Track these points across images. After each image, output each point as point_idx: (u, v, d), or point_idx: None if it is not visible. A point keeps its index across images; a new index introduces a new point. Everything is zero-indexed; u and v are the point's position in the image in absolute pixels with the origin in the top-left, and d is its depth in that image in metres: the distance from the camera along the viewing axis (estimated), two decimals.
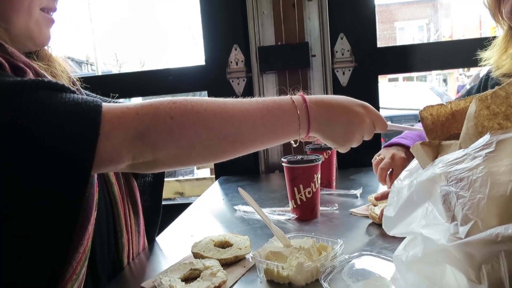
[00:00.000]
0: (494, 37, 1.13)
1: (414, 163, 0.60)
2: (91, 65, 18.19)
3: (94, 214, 0.67)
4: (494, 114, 0.48)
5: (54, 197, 0.54)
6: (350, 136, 0.76)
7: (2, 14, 0.69)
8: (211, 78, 1.70)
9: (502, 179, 0.39)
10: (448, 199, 0.44)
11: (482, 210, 0.40)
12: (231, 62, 1.65)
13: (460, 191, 0.42)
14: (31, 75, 0.62)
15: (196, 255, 0.80)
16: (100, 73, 9.42)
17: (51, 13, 0.75)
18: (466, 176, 0.42)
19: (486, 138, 0.43)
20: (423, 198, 0.49)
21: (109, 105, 0.58)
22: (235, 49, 1.65)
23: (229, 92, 1.66)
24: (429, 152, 0.53)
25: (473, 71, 7.52)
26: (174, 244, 0.95)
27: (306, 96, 0.72)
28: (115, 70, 18.72)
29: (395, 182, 0.58)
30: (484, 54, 1.13)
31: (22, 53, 0.67)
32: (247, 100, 0.68)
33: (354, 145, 0.78)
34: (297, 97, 0.72)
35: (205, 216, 1.16)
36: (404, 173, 0.60)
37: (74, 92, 0.58)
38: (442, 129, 0.57)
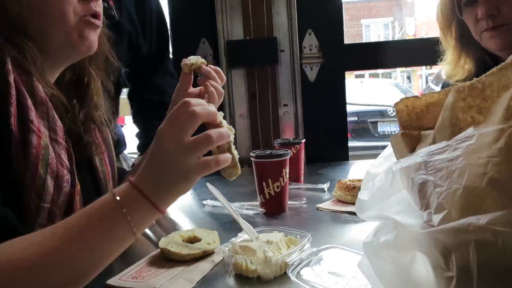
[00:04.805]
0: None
1: (388, 150, 0.61)
2: None
3: None
4: (469, 106, 0.47)
5: None
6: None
7: (39, 30, 0.68)
8: (178, 71, 1.66)
9: (479, 171, 0.40)
10: (425, 187, 0.44)
11: (457, 200, 0.40)
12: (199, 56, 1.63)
13: (438, 181, 0.43)
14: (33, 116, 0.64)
15: (164, 251, 0.79)
16: None
17: (95, 19, 0.73)
18: (445, 166, 0.43)
19: (469, 131, 0.43)
20: (400, 185, 0.49)
21: None
22: (203, 43, 1.63)
23: (197, 86, 1.64)
24: (408, 143, 0.53)
25: (436, 69, 7.79)
26: (141, 240, 0.93)
27: (133, 180, 0.63)
28: None
29: (370, 168, 0.58)
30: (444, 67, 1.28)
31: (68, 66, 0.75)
32: (74, 228, 0.60)
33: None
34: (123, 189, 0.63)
35: (173, 211, 1.15)
36: (378, 160, 0.60)
37: None
38: (416, 121, 0.57)
